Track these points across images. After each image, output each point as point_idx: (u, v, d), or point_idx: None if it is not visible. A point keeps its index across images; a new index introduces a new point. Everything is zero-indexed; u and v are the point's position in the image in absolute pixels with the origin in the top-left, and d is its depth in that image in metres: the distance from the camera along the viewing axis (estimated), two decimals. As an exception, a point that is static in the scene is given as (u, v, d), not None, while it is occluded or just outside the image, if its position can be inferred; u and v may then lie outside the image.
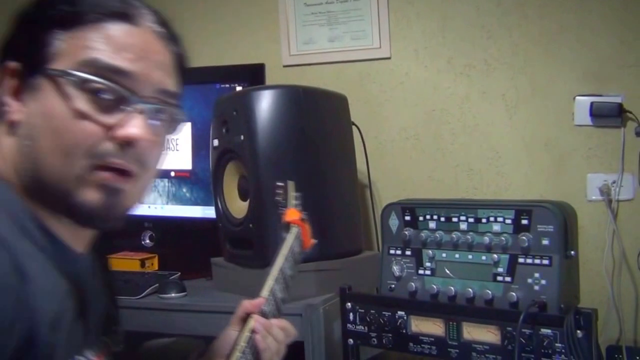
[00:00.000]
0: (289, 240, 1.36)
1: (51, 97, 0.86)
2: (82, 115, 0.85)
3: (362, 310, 1.68)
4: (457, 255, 1.63)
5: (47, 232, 0.88)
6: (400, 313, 1.63)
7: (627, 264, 2.02)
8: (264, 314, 1.17)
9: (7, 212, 0.83)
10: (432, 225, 1.67)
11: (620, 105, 2.01)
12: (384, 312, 1.65)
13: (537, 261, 1.52)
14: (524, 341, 1.45)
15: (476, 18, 2.20)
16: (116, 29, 0.88)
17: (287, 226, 1.41)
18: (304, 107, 1.86)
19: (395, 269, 1.70)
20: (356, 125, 2.14)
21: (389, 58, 2.31)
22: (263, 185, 1.78)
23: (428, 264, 1.66)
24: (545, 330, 1.43)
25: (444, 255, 1.65)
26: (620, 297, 2.01)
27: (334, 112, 2.00)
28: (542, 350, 1.43)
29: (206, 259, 2.01)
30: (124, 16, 0.89)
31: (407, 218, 1.71)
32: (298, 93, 1.87)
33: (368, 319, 1.67)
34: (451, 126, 2.24)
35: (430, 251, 1.66)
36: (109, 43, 0.87)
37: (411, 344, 1.61)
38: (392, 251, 1.72)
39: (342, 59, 2.37)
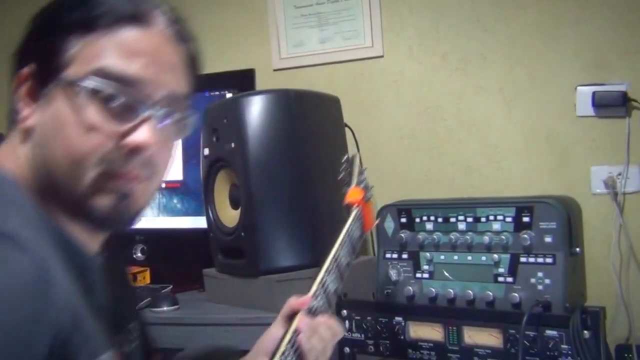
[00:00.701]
0: (347, 225, 1.28)
1: (62, 106, 0.87)
2: (91, 126, 0.87)
3: (359, 318, 1.63)
4: (455, 257, 1.58)
5: (60, 232, 0.89)
6: (397, 319, 1.58)
7: (635, 259, 1.95)
8: (311, 311, 1.11)
9: (21, 213, 0.84)
10: (429, 226, 1.63)
11: (624, 93, 1.95)
12: (380, 319, 1.60)
13: (540, 260, 1.47)
14: (527, 344, 1.39)
15: (471, 11, 2.15)
16: (128, 34, 0.89)
17: (348, 207, 1.34)
18: (295, 111, 1.83)
19: (392, 273, 1.65)
20: (349, 127, 2.09)
21: (381, 56, 2.27)
22: (254, 192, 1.75)
23: (426, 267, 1.61)
24: (551, 332, 1.38)
25: (442, 257, 1.60)
26: (629, 293, 1.95)
27: (326, 114, 1.97)
28: (548, 353, 1.38)
29: (198, 270, 1.99)
30: (136, 19, 0.90)
31: (403, 220, 1.66)
32: (289, 97, 1.84)
33: (364, 326, 1.62)
34: (447, 123, 2.19)
35: (427, 253, 1.61)
36: (120, 50, 0.88)
37: (410, 351, 1.56)
38: (388, 255, 1.67)
39: (334, 59, 2.33)
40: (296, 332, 1.07)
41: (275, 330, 1.16)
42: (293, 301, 1.14)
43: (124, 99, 0.88)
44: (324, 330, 1.12)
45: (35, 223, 0.85)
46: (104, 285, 0.99)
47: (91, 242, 0.95)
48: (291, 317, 1.12)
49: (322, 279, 1.16)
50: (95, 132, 0.86)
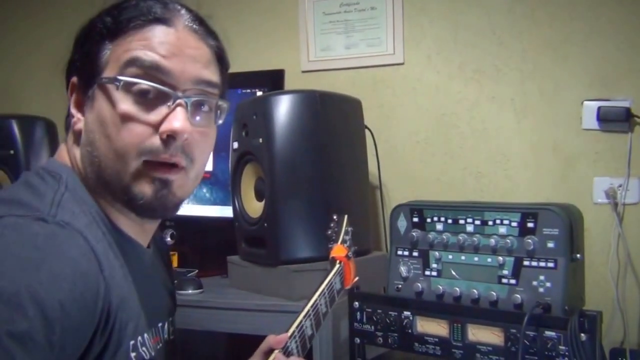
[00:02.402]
0: (329, 277, 1.30)
1: (102, 104, 0.89)
2: (128, 118, 0.88)
3: (369, 310, 1.61)
4: (463, 257, 1.55)
5: (115, 227, 0.92)
6: (406, 313, 1.55)
7: (632, 267, 1.92)
8: (287, 351, 1.10)
9: (82, 209, 0.87)
10: (439, 227, 1.60)
11: (628, 109, 1.92)
12: (390, 312, 1.58)
13: (542, 264, 1.44)
14: (527, 343, 1.37)
15: (488, 25, 2.12)
16: (154, 31, 0.90)
17: (332, 261, 1.35)
18: (320, 111, 1.81)
19: (403, 269, 1.63)
20: (369, 129, 2.07)
21: (402, 64, 2.24)
22: (278, 186, 1.74)
23: (434, 265, 1.59)
24: (550, 333, 1.35)
25: (450, 256, 1.57)
26: (625, 299, 1.92)
27: (349, 116, 1.95)
28: (546, 352, 1.35)
29: (223, 257, 1.98)
30: (162, 20, 0.91)
31: (415, 219, 1.64)
32: (314, 98, 1.82)
33: (374, 319, 1.60)
34: (460, 130, 2.16)
35: (437, 252, 1.59)
36: (146, 43, 0.89)
37: (416, 344, 1.54)
38: (399, 252, 1.65)
39: (358, 65, 2.31)
40: None
41: None
42: (271, 338, 1.12)
43: (155, 88, 0.88)
44: None
45: (91, 214, 0.88)
46: (153, 277, 1.03)
47: (141, 236, 0.98)
48: (268, 353, 1.11)
49: (300, 322, 1.14)
50: (132, 122, 0.88)
